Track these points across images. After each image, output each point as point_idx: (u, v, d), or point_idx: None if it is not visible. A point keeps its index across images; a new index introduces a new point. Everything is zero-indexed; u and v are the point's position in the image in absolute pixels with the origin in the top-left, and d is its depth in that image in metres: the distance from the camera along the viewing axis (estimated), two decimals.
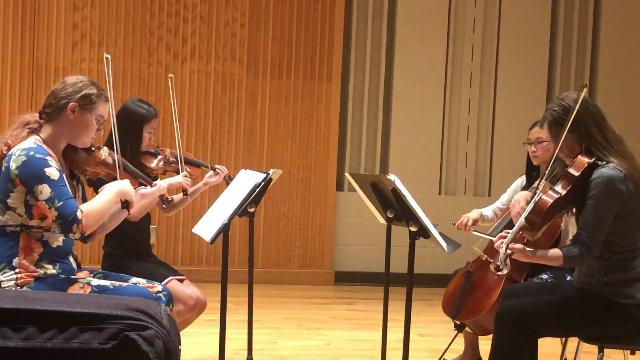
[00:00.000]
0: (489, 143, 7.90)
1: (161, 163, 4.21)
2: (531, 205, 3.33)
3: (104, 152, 3.43)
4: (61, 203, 3.04)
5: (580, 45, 7.99)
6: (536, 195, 3.35)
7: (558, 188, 3.36)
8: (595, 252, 3.36)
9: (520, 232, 3.32)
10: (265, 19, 7.41)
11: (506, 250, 3.27)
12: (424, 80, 7.73)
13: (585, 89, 3.42)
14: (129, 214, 3.34)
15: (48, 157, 3.12)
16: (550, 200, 3.31)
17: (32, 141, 3.19)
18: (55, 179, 3.07)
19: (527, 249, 3.34)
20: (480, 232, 4.25)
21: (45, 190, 3.04)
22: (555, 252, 3.36)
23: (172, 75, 4.43)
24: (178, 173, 4.15)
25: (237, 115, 7.41)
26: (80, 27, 7.13)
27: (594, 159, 3.37)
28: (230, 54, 7.37)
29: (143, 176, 3.68)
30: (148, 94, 7.09)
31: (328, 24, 7.49)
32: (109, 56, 3.42)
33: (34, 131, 3.26)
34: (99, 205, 3.15)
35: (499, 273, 3.28)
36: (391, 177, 3.73)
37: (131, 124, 4.15)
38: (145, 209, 4.00)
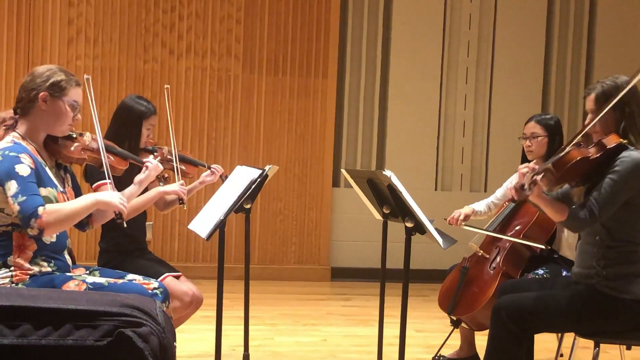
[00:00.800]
0: (485, 139, 7.90)
1: (163, 175, 4.20)
2: (562, 153, 3.33)
3: (87, 138, 3.40)
4: (24, 198, 2.97)
5: (576, 40, 8.00)
6: (567, 148, 3.37)
7: (590, 149, 3.37)
8: (596, 223, 3.35)
9: (543, 175, 3.31)
10: (260, 15, 7.40)
11: (532, 177, 3.27)
12: (420, 76, 7.73)
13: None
14: (124, 225, 3.22)
15: (22, 155, 3.07)
16: (579, 156, 3.31)
17: (9, 140, 3.16)
18: (25, 175, 3.02)
19: (543, 192, 3.34)
20: (472, 226, 4.26)
21: (12, 186, 3.00)
22: (563, 206, 3.36)
23: (169, 85, 4.43)
24: (174, 171, 4.14)
25: (233, 111, 7.40)
26: (76, 23, 7.11)
27: (626, 141, 3.37)
28: (226, 50, 7.36)
29: (133, 157, 3.67)
30: (144, 90, 7.08)
31: (324, 20, 7.48)
32: (89, 77, 3.37)
33: (10, 128, 3.23)
34: (67, 207, 3.06)
35: (524, 192, 3.28)
36: (387, 173, 3.73)
37: (130, 120, 4.16)
38: (147, 202, 3.99)
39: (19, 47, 7.02)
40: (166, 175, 4.04)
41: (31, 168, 3.07)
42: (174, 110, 7.22)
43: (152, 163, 3.63)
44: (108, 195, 3.13)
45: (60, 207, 3.05)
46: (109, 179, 3.29)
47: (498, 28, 7.85)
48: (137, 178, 3.59)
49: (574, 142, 3.42)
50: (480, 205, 4.74)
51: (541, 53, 7.92)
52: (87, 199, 3.12)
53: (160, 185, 3.96)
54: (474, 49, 7.84)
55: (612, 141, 3.36)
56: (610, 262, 3.40)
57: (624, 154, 3.34)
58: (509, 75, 7.87)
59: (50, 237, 3.21)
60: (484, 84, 7.87)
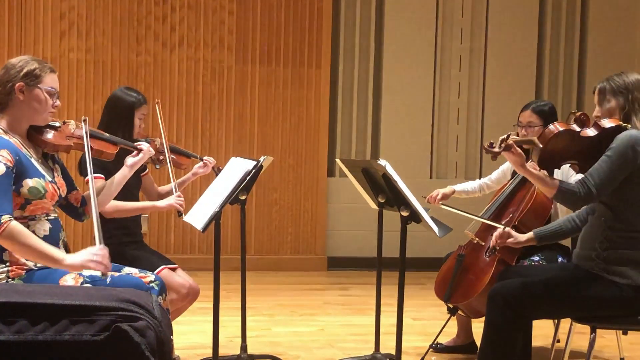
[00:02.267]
0: (479, 126, 7.90)
1: (157, 157, 4.19)
2: (553, 125, 3.35)
3: (72, 126, 3.37)
4: None
5: (568, 27, 7.99)
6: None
7: (584, 127, 3.38)
8: (592, 201, 3.36)
9: (531, 144, 3.33)
10: (253, 5, 7.38)
11: (506, 138, 3.31)
12: (414, 65, 7.72)
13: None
14: (107, 280, 3.12)
15: (1, 151, 3.03)
16: (565, 127, 3.33)
17: None
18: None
19: (529, 162, 3.36)
20: (450, 206, 4.26)
21: None
22: (553, 179, 3.36)
23: (159, 100, 4.44)
24: (166, 163, 4.13)
25: (226, 102, 7.39)
26: (68, 16, 7.09)
27: (629, 125, 3.38)
28: (219, 42, 7.34)
29: (124, 142, 3.65)
30: (137, 82, 7.06)
31: (316, 10, 7.47)
32: (158, 100, 3.36)
33: None
34: (32, 241, 2.95)
35: (491, 149, 3.31)
36: (382, 162, 3.73)
37: (122, 111, 4.16)
38: (138, 211, 4.01)
39: (11, 40, 7.00)
40: (161, 157, 4.05)
41: (7, 167, 3.01)
42: (168, 102, 7.20)
43: (145, 146, 3.61)
44: (75, 259, 2.97)
45: (27, 235, 2.96)
46: (91, 173, 3.22)
47: (491, 15, 7.85)
48: (130, 160, 3.57)
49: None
50: (468, 185, 4.79)
51: (534, 40, 7.92)
52: (54, 253, 2.99)
53: (156, 167, 3.96)
54: (467, 37, 7.83)
55: (610, 122, 3.37)
56: (611, 245, 3.41)
57: (622, 134, 3.35)
58: (502, 62, 7.86)
59: (43, 230, 3.20)
60: (477, 72, 7.87)
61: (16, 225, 2.94)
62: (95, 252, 2.97)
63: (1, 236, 2.91)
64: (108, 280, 3.18)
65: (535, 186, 4.24)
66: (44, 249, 2.98)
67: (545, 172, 3.39)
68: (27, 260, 3.15)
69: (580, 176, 3.49)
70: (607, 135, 3.35)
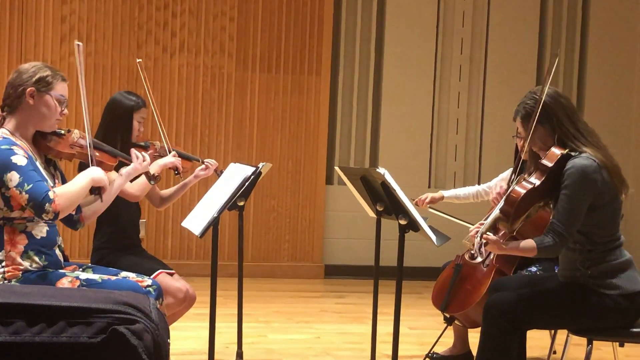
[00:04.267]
0: (478, 136, 7.91)
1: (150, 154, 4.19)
2: (505, 196, 3.36)
3: (76, 134, 3.41)
4: (31, 185, 3.02)
5: (569, 38, 8.01)
6: (510, 187, 3.39)
7: (532, 179, 3.38)
8: (569, 242, 3.37)
9: (496, 224, 3.35)
10: (254, 12, 7.40)
11: (480, 239, 3.31)
12: (414, 74, 7.73)
13: (557, 58, 3.43)
14: (102, 201, 3.32)
15: (14, 147, 3.11)
16: (523, 191, 3.32)
17: None
18: (23, 164, 3.06)
19: (501, 241, 3.36)
20: (437, 210, 4.27)
21: (14, 177, 3.03)
22: (529, 243, 3.36)
23: (140, 59, 4.43)
24: (161, 179, 4.14)
25: (226, 108, 7.40)
26: (69, 20, 7.10)
27: (567, 150, 3.38)
28: (220, 48, 7.35)
29: (122, 154, 3.66)
30: (137, 87, 7.05)
31: (317, 17, 7.48)
32: (80, 43, 3.38)
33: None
34: (72, 187, 3.14)
35: (473, 261, 3.34)
36: (381, 170, 3.73)
37: (120, 114, 4.18)
38: (141, 190, 4.00)
39: (11, 44, 7.01)
40: (156, 174, 4.04)
41: (27, 157, 3.10)
42: (167, 108, 7.20)
43: (140, 157, 3.61)
44: (97, 171, 3.24)
45: (66, 188, 3.13)
46: (91, 159, 3.31)
47: (491, 25, 7.86)
48: (124, 170, 3.57)
49: (514, 180, 3.46)
50: (461, 191, 4.79)
51: (534, 50, 7.93)
52: (83, 177, 3.20)
53: (150, 184, 3.96)
54: (467, 47, 7.84)
55: (552, 158, 3.36)
56: (593, 262, 3.43)
57: (568, 164, 3.35)
58: (502, 72, 7.87)
59: (40, 232, 3.20)
60: (477, 82, 7.88)
61: (59, 191, 3.08)
62: (102, 171, 3.26)
63: (60, 207, 3.03)
64: (120, 273, 3.38)
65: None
66: (82, 183, 3.19)
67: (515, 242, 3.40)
68: (23, 260, 3.16)
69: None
70: (555, 171, 3.35)
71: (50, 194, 3.02)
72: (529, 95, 3.53)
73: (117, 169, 3.62)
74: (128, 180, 3.61)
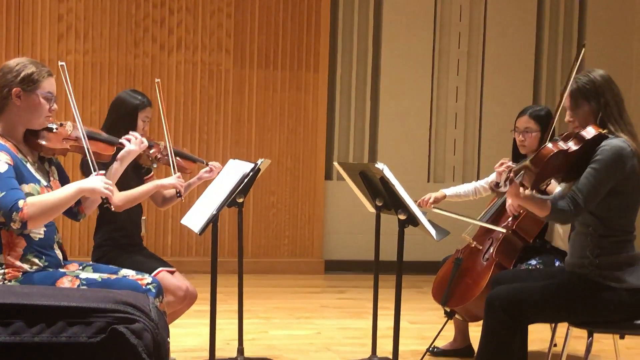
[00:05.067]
0: (476, 130, 7.91)
1: (155, 155, 4.19)
2: (537, 151, 3.36)
3: (69, 127, 3.35)
4: (3, 194, 2.94)
5: (566, 31, 8.01)
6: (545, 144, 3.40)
7: (567, 143, 3.38)
8: (582, 214, 3.36)
9: (523, 173, 3.34)
10: (251, 8, 7.39)
11: (509, 173, 3.30)
12: (412, 69, 7.73)
13: (583, 49, 3.51)
14: (112, 208, 3.24)
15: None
16: (556, 149, 3.33)
17: None
18: (2, 171, 2.99)
19: (521, 189, 3.36)
20: (442, 210, 4.26)
21: None
22: (544, 201, 3.36)
23: (159, 79, 4.41)
24: (170, 166, 4.13)
25: (224, 105, 7.39)
26: (66, 18, 7.08)
27: (606, 130, 3.39)
28: (217, 45, 7.35)
29: (117, 141, 3.62)
30: (135, 85, 7.06)
31: (315, 13, 7.47)
32: (63, 63, 3.31)
33: None
34: (49, 197, 3.03)
35: (498, 189, 3.34)
36: (380, 165, 3.73)
37: (125, 112, 4.17)
38: (125, 200, 4.00)
39: (8, 43, 7.00)
40: (158, 155, 4.04)
41: (9, 164, 3.03)
42: (165, 104, 7.19)
43: (133, 138, 3.59)
44: (91, 182, 3.10)
45: (43, 197, 3.03)
46: (94, 170, 3.24)
47: (489, 19, 7.86)
48: (121, 154, 3.55)
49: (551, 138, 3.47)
50: (461, 188, 4.76)
51: (532, 44, 7.93)
52: (70, 188, 3.09)
53: (153, 167, 3.95)
54: (465, 41, 7.84)
55: (590, 132, 3.38)
56: (603, 251, 3.41)
57: (604, 142, 3.35)
58: (500, 66, 7.87)
59: (38, 233, 3.19)
60: (475, 76, 7.87)
61: (32, 199, 2.98)
62: (104, 180, 3.12)
63: (29, 217, 2.94)
64: (120, 271, 3.32)
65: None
66: (63, 195, 3.06)
67: (533, 196, 3.41)
68: (22, 263, 3.14)
69: (560, 188, 3.51)
70: (589, 145, 3.36)
71: (20, 202, 2.93)
72: (584, 73, 3.54)
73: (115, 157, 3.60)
74: (126, 163, 3.57)
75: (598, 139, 3.37)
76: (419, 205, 4.52)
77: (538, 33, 7.95)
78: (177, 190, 4.05)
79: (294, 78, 7.48)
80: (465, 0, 7.80)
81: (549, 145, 3.36)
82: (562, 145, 3.37)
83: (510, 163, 3.56)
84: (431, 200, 4.57)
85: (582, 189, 3.32)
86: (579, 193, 3.32)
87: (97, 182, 3.09)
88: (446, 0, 7.78)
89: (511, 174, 3.34)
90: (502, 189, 3.36)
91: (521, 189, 3.35)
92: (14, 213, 2.92)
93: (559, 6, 7.98)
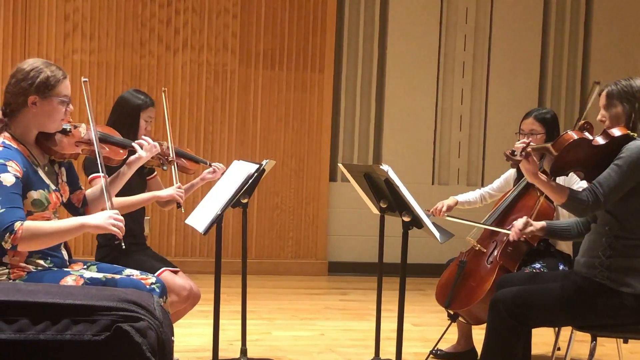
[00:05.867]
0: (481, 133, 7.90)
1: (166, 158, 4.19)
2: (559, 136, 3.37)
3: (83, 129, 3.32)
4: (4, 210, 2.90)
5: (572, 34, 8.00)
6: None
7: (595, 137, 3.39)
8: (599, 208, 3.36)
9: (544, 156, 3.35)
10: (257, 9, 7.39)
11: (527, 146, 3.33)
12: (417, 70, 7.73)
13: (597, 87, 3.54)
14: (123, 245, 3.14)
15: (9, 162, 3.00)
16: (577, 137, 3.34)
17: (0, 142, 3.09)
18: (8, 185, 2.94)
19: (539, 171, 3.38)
20: (455, 217, 4.26)
21: None
22: (563, 188, 3.37)
23: (165, 89, 4.42)
24: (167, 160, 4.12)
25: (229, 106, 7.40)
26: (72, 18, 7.10)
27: (635, 134, 3.38)
28: (223, 45, 7.35)
29: (130, 144, 3.61)
30: (140, 85, 7.07)
31: (320, 14, 7.48)
32: (86, 80, 3.30)
33: (1, 130, 3.15)
34: (48, 227, 2.98)
35: (513, 157, 3.36)
36: (384, 167, 3.73)
37: (128, 112, 4.17)
38: (139, 203, 4.00)
39: (15, 42, 7.01)
40: (169, 158, 4.04)
41: (17, 177, 2.99)
42: (171, 105, 7.20)
43: (145, 144, 3.58)
44: (96, 219, 3.01)
45: (41, 225, 2.97)
46: (103, 171, 3.24)
47: (494, 22, 7.85)
48: (129, 159, 3.54)
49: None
50: (470, 195, 4.76)
51: (538, 47, 7.92)
52: (73, 222, 3.03)
53: (163, 169, 3.95)
54: (471, 43, 7.83)
55: (618, 131, 3.38)
56: (615, 253, 3.40)
57: (630, 143, 3.35)
58: (505, 69, 7.86)
59: None
60: (480, 78, 7.87)
61: (29, 224, 2.93)
62: (113, 215, 3.01)
63: (21, 241, 2.89)
64: (124, 270, 3.30)
65: (541, 195, 4.25)
66: (63, 226, 3.00)
67: (555, 180, 3.42)
68: (27, 264, 3.14)
69: (584, 183, 3.49)
70: (615, 144, 3.36)
71: (17, 224, 2.88)
72: (626, 78, 3.53)
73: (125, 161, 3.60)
74: (135, 168, 3.56)
75: (625, 139, 3.37)
76: (432, 215, 4.49)
77: (544, 36, 7.95)
78: (178, 203, 4.04)
79: (299, 79, 7.48)
80: (471, 2, 7.80)
81: (575, 131, 3.37)
82: (587, 134, 3.38)
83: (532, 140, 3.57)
84: (444, 209, 4.52)
85: (603, 182, 3.32)
86: (599, 187, 3.31)
87: (102, 220, 3.01)
88: (452, 3, 7.78)
89: (529, 148, 3.35)
90: (517, 157, 3.36)
91: (541, 174, 3.37)
92: (7, 234, 2.88)
93: (565, 9, 7.97)
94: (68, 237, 3.10)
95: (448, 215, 4.37)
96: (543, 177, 3.41)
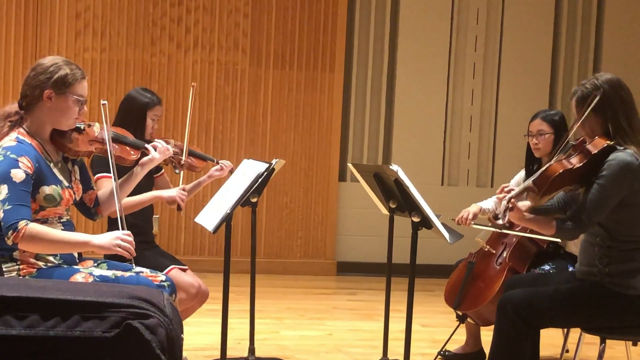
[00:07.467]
0: (491, 134, 7.89)
1: (178, 161, 4.19)
2: (542, 169, 3.34)
3: (97, 128, 3.33)
4: (10, 207, 2.93)
5: (583, 35, 7.97)
6: (549, 162, 3.38)
7: (572, 159, 3.36)
8: (588, 229, 3.36)
9: (526, 194, 3.33)
10: (268, 8, 7.40)
11: (507, 203, 3.29)
12: (427, 71, 7.72)
13: (597, 98, 3.38)
14: (133, 264, 3.21)
15: (22, 158, 3.02)
16: (561, 169, 3.31)
17: (14, 137, 3.10)
18: (18, 181, 2.97)
19: (525, 212, 3.35)
20: (481, 225, 4.25)
21: (3, 191, 2.95)
22: (549, 221, 3.35)
23: (195, 84, 4.41)
24: (179, 163, 4.12)
25: (239, 105, 7.41)
26: (83, 16, 7.12)
27: (613, 142, 3.35)
28: (233, 44, 7.36)
29: (144, 146, 3.61)
30: (151, 83, 7.09)
31: (331, 14, 7.48)
32: (105, 102, 3.30)
33: (15, 124, 3.17)
34: (53, 235, 3.01)
35: (496, 222, 3.32)
36: (394, 167, 3.73)
37: (134, 110, 4.17)
38: (141, 203, 4.01)
39: (26, 40, 7.04)
40: (182, 161, 4.05)
41: (27, 174, 3.01)
42: (181, 104, 7.22)
43: (160, 146, 3.58)
44: (102, 239, 3.03)
45: (46, 231, 2.99)
46: (114, 172, 3.25)
47: (506, 23, 7.84)
48: (143, 160, 3.55)
49: (557, 153, 3.45)
50: (489, 203, 4.72)
51: (549, 48, 7.90)
52: (79, 237, 3.06)
53: (175, 172, 3.95)
54: (482, 44, 7.82)
55: (597, 145, 3.34)
56: (612, 260, 3.39)
57: (611, 156, 3.32)
58: (516, 70, 7.85)
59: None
60: (491, 79, 7.85)
61: (34, 227, 2.95)
62: (121, 236, 3.01)
63: (22, 240, 2.92)
64: (134, 268, 3.29)
65: None
66: (67, 238, 3.03)
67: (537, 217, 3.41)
68: (37, 260, 3.15)
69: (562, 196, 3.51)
70: (597, 159, 3.33)
71: (21, 223, 2.91)
72: (590, 79, 3.48)
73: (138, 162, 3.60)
74: (147, 170, 3.56)
75: (605, 151, 3.34)
76: (458, 224, 4.43)
77: (555, 37, 7.93)
78: (178, 205, 4.04)
79: (310, 78, 7.49)
80: (482, 3, 7.78)
81: (555, 164, 3.34)
82: (567, 163, 3.34)
83: (510, 187, 3.53)
84: (470, 217, 4.44)
85: (587, 205, 3.30)
86: (584, 209, 3.30)
87: (108, 241, 3.03)
88: (463, 3, 7.77)
89: (510, 203, 3.32)
90: (500, 222, 3.34)
91: (524, 212, 3.34)
92: (10, 231, 2.91)
93: (576, 10, 7.95)
94: (69, 250, 3.13)
95: (475, 224, 4.33)
96: (530, 216, 3.39)
